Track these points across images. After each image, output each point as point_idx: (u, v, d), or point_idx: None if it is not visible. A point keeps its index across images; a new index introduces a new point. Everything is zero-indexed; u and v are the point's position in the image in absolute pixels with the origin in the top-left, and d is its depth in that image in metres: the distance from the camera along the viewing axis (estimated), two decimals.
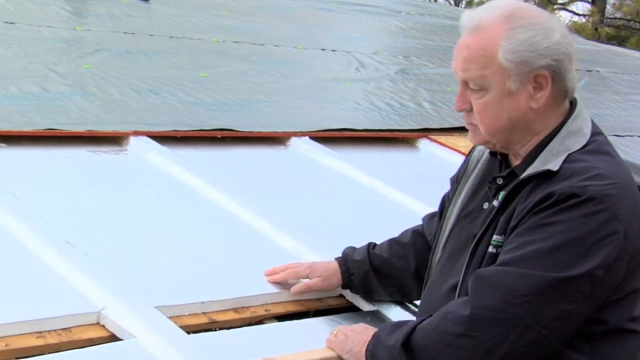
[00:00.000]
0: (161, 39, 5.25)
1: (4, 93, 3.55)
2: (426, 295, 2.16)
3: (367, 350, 1.97)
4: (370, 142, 4.11)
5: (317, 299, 2.47)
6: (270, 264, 2.48)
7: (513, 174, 1.98)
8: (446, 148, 4.16)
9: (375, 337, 1.97)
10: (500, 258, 1.88)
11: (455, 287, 1.99)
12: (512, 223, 1.90)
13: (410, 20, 8.32)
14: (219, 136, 3.64)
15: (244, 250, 2.66)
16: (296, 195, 3.26)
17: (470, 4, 25.57)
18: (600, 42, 14.08)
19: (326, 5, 7.95)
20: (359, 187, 3.47)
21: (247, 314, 2.31)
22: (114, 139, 3.35)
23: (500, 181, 2.01)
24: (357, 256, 2.40)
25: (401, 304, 2.48)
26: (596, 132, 1.98)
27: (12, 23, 4.81)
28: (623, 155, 2.05)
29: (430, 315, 1.92)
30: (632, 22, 26.60)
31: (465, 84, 1.96)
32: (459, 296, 1.96)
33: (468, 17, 1.96)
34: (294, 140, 3.79)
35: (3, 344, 1.93)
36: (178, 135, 3.50)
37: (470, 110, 1.97)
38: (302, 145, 3.76)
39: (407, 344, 1.89)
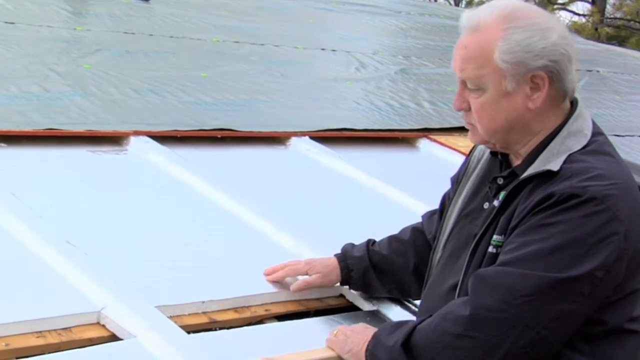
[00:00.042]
0: (161, 39, 5.25)
1: (4, 93, 3.55)
2: (426, 295, 2.16)
3: (367, 350, 1.97)
4: (370, 142, 4.11)
5: (317, 299, 2.47)
6: (270, 263, 2.48)
7: (514, 174, 1.98)
8: (446, 148, 4.16)
9: (375, 337, 1.97)
10: (501, 258, 1.88)
11: (455, 286, 1.99)
12: (513, 223, 1.90)
13: (410, 20, 8.32)
14: (219, 136, 3.64)
15: (244, 250, 2.66)
16: (296, 195, 3.26)
17: (470, 4, 25.57)
18: (600, 42, 14.08)
19: (326, 5, 7.95)
20: (359, 187, 3.47)
21: (247, 314, 2.31)
22: (114, 139, 3.36)
23: (500, 181, 2.01)
24: (357, 252, 2.40)
25: (401, 303, 2.48)
26: (597, 133, 1.98)
27: (12, 23, 4.81)
28: (623, 155, 2.05)
29: (430, 315, 1.92)
30: (632, 22, 26.60)
31: (464, 83, 1.97)
32: (459, 296, 1.96)
33: (467, 17, 1.96)
34: (294, 140, 3.79)
35: (3, 344, 1.94)
36: (178, 135, 3.50)
37: (469, 109, 1.98)
38: (302, 145, 3.76)
39: (407, 344, 1.89)
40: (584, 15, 27.53)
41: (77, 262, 2.29)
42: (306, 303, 2.44)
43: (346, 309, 2.47)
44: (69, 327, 2.05)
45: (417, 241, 2.38)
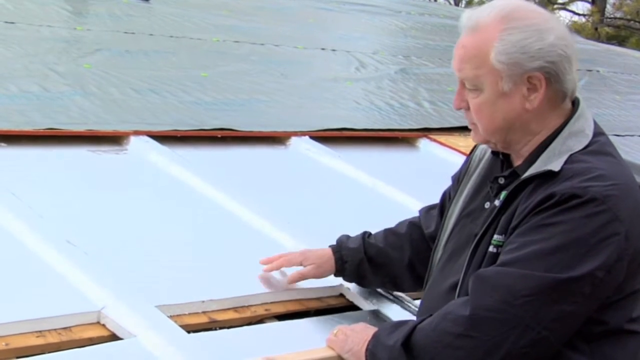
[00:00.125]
0: (161, 38, 5.25)
1: (4, 92, 3.55)
2: (426, 295, 2.16)
3: (367, 349, 1.97)
4: (370, 141, 4.11)
5: (317, 299, 2.47)
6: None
7: (515, 173, 1.98)
8: (446, 148, 4.16)
9: (375, 336, 1.97)
10: (501, 258, 1.88)
11: (455, 286, 1.99)
12: (513, 223, 1.90)
13: (410, 20, 8.33)
14: (219, 136, 3.64)
15: (244, 249, 2.66)
16: (296, 195, 3.26)
17: (469, 4, 25.57)
18: (600, 42, 14.08)
19: (326, 5, 7.96)
20: (359, 187, 3.47)
21: (247, 314, 2.32)
22: (114, 139, 3.36)
23: (501, 181, 2.01)
24: (352, 244, 2.41)
25: (401, 303, 2.48)
26: (598, 133, 1.97)
27: (13, 23, 4.82)
28: (623, 155, 2.05)
29: (431, 315, 1.92)
30: (632, 22, 26.60)
31: (463, 83, 1.97)
32: (459, 295, 1.96)
33: (467, 16, 1.97)
34: (294, 139, 3.79)
35: (3, 343, 1.94)
36: (178, 135, 3.50)
37: (468, 108, 1.98)
38: (302, 145, 3.77)
39: (407, 343, 1.89)
40: (584, 15, 27.54)
41: (77, 261, 2.29)
42: (306, 303, 2.44)
43: (346, 308, 2.47)
44: (69, 327, 2.05)
45: (413, 235, 2.38)
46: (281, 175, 3.45)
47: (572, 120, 1.96)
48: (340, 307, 2.48)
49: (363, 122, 4.29)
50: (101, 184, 2.95)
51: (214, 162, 3.38)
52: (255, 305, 2.36)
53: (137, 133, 3.38)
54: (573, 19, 27.01)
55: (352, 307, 2.48)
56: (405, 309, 2.46)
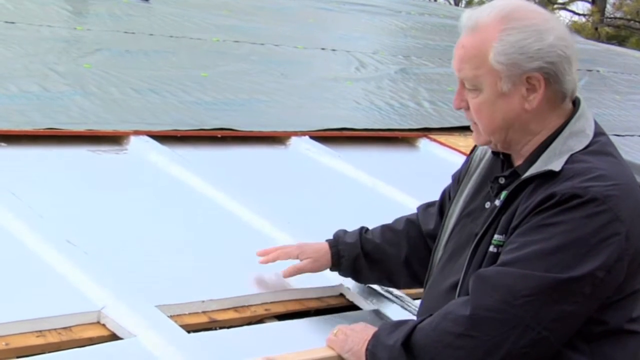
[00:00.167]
0: (161, 38, 5.25)
1: (4, 92, 3.55)
2: (427, 295, 2.16)
3: (367, 349, 1.97)
4: (370, 141, 4.11)
5: (317, 299, 2.47)
6: (270, 263, 2.48)
7: (515, 173, 1.98)
8: (446, 148, 4.16)
9: (375, 336, 1.97)
10: (501, 258, 1.88)
11: (455, 285, 1.99)
12: (514, 223, 1.90)
13: (410, 19, 8.33)
14: (219, 136, 3.64)
15: (244, 249, 2.66)
16: (296, 195, 3.26)
17: (469, 4, 25.57)
18: (600, 41, 14.09)
19: (326, 5, 7.96)
20: (359, 187, 3.47)
21: (247, 313, 2.32)
22: (114, 139, 3.36)
23: (502, 181, 2.01)
24: (349, 239, 2.41)
25: (401, 303, 2.48)
26: (599, 133, 1.97)
27: (13, 23, 4.82)
28: (623, 155, 2.05)
29: (431, 315, 1.92)
30: (632, 22, 26.60)
31: (462, 83, 1.97)
32: (459, 295, 1.96)
33: (467, 16, 1.97)
34: (294, 139, 3.79)
35: (3, 343, 1.94)
36: (178, 135, 3.50)
37: (468, 108, 1.98)
38: (302, 145, 3.77)
39: (407, 343, 1.89)
40: (584, 15, 27.54)
41: (77, 261, 2.29)
42: (306, 303, 2.44)
43: (346, 308, 2.48)
44: (69, 327, 2.05)
45: (410, 232, 2.38)
46: (281, 175, 3.45)
47: (572, 120, 1.96)
48: (340, 307, 2.48)
49: (363, 122, 4.29)
50: (101, 184, 2.95)
51: (214, 162, 3.38)
52: (255, 305, 2.36)
53: (137, 133, 3.38)
54: (573, 18, 27.03)
55: (352, 307, 2.48)
56: (405, 308, 2.46)
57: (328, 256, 2.40)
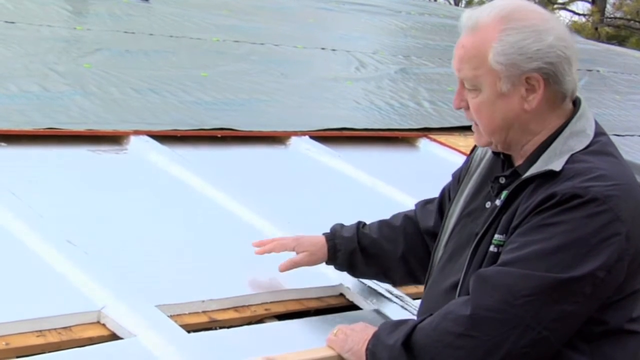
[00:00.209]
0: (161, 38, 5.25)
1: (4, 92, 3.55)
2: (427, 294, 2.16)
3: (367, 349, 1.96)
4: (370, 141, 4.11)
5: (317, 298, 2.47)
6: (270, 262, 2.48)
7: (516, 173, 1.98)
8: (446, 147, 4.16)
9: (375, 336, 1.97)
10: (502, 258, 1.88)
11: (455, 285, 1.99)
12: (514, 223, 1.90)
13: (410, 19, 8.33)
14: (219, 135, 3.64)
15: (244, 249, 2.66)
16: (296, 195, 3.26)
17: (469, 4, 25.58)
18: (600, 41, 14.09)
19: (326, 4, 7.96)
20: (359, 187, 3.47)
21: (247, 313, 2.32)
22: (114, 138, 3.36)
23: (502, 180, 2.00)
24: (346, 233, 2.41)
25: (401, 302, 2.48)
26: (599, 133, 1.97)
27: (13, 22, 4.82)
28: (623, 155, 2.04)
29: (431, 314, 1.92)
30: (632, 22, 26.60)
31: (462, 83, 1.97)
32: (459, 295, 1.96)
33: (467, 16, 1.97)
34: (294, 139, 3.79)
35: (3, 343, 1.94)
36: (178, 135, 3.50)
37: (468, 108, 1.98)
38: (302, 145, 3.77)
39: (407, 343, 1.89)
40: (584, 15, 27.55)
41: (77, 261, 2.29)
42: (306, 303, 2.44)
43: (346, 308, 2.48)
44: (69, 326, 2.05)
45: (407, 229, 2.38)
46: (281, 175, 3.45)
47: (573, 120, 1.96)
48: (340, 306, 2.48)
49: (363, 122, 4.29)
50: (101, 184, 2.95)
51: (214, 162, 3.38)
52: (255, 305, 2.36)
53: (137, 133, 3.38)
54: (573, 18, 27.04)
55: (352, 307, 2.48)
56: (405, 308, 2.46)
57: (324, 250, 2.40)
